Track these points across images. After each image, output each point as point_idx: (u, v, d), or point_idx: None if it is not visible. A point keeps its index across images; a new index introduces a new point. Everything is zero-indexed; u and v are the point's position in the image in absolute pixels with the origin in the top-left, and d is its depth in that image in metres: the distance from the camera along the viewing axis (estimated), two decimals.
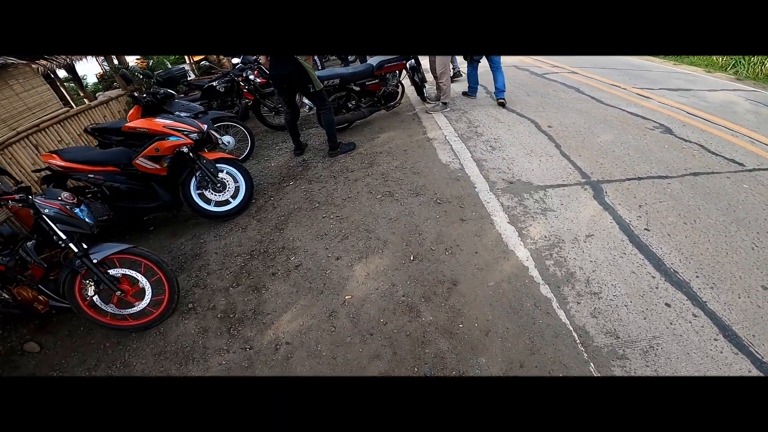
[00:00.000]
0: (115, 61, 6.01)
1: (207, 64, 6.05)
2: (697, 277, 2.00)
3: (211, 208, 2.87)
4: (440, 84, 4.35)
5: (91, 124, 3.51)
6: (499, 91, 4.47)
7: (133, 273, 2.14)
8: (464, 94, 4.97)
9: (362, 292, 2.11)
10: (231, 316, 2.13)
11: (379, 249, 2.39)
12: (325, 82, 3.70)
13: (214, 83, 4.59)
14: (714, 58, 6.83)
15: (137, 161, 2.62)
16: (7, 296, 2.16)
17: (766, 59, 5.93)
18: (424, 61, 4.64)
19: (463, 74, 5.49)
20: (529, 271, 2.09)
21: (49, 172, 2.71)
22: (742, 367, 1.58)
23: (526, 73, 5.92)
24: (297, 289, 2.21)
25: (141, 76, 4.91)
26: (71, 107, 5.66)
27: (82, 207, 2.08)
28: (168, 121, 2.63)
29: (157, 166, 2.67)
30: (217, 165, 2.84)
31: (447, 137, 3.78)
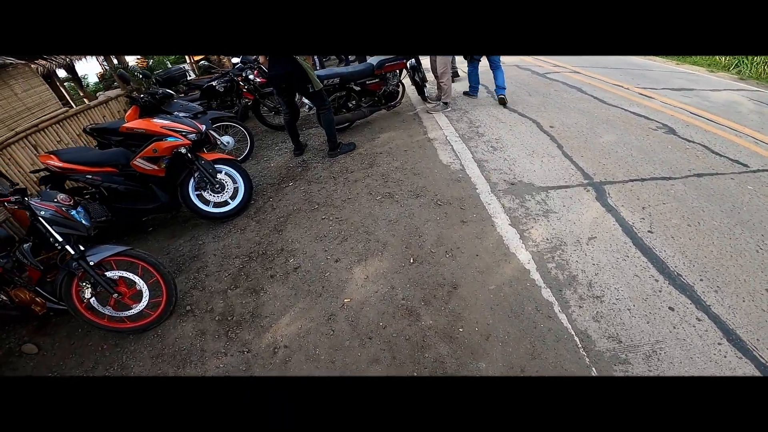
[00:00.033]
0: (115, 61, 6.00)
1: (206, 64, 6.02)
2: (701, 280, 1.97)
3: (210, 209, 2.86)
4: (441, 84, 4.32)
5: (90, 125, 3.49)
6: (500, 88, 4.44)
7: (131, 275, 2.13)
8: (465, 93, 4.94)
9: (361, 295, 2.09)
10: (229, 318, 2.11)
11: (378, 251, 2.37)
12: (325, 82, 3.68)
13: (214, 83, 4.57)
14: (716, 57, 6.78)
15: (135, 162, 2.60)
16: (4, 298, 2.14)
17: None
18: (425, 61, 4.61)
19: (463, 73, 5.46)
20: (530, 274, 2.06)
21: (47, 173, 2.70)
22: (746, 372, 1.55)
23: (527, 73, 5.89)
24: (295, 291, 2.19)
25: (140, 76, 4.89)
26: (71, 107, 5.64)
27: (79, 209, 2.07)
28: (166, 122, 2.61)
29: (155, 167, 2.65)
30: (216, 166, 2.82)
31: (448, 137, 3.75)
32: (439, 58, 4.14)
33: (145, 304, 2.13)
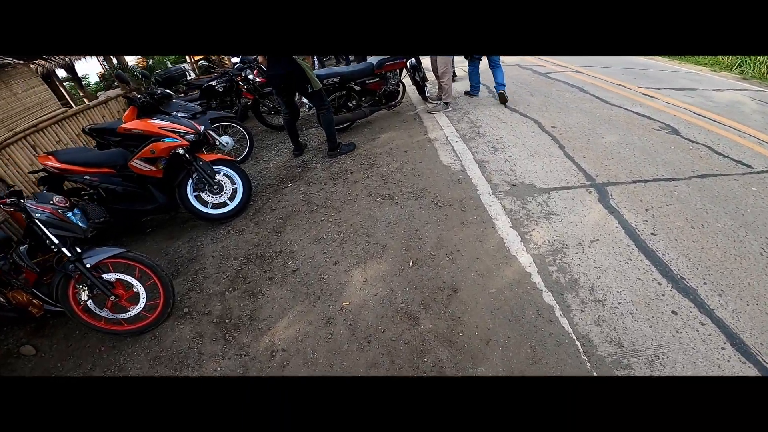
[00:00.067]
0: (115, 61, 5.98)
1: (205, 63, 6.01)
2: (705, 283, 1.94)
3: (208, 210, 2.84)
4: (442, 83, 4.29)
5: (89, 125, 3.48)
6: (499, 85, 4.42)
7: (127, 278, 2.11)
8: (466, 93, 4.91)
9: (360, 298, 2.07)
10: (227, 321, 2.09)
11: (377, 254, 2.34)
12: (325, 81, 3.65)
13: (213, 83, 4.55)
14: (719, 57, 6.73)
15: (132, 163, 2.58)
16: (2, 300, 2.14)
17: None
18: (425, 60, 4.59)
19: (463, 72, 5.43)
20: (531, 277, 2.04)
21: (45, 174, 2.69)
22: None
23: (529, 72, 5.85)
24: (294, 294, 2.17)
25: (139, 76, 4.87)
26: (71, 107, 5.63)
27: (75, 211, 2.05)
28: (163, 122, 2.59)
29: (153, 168, 2.63)
30: (214, 166, 2.80)
31: (448, 138, 3.72)
32: (440, 58, 4.12)
33: (142, 306, 2.12)
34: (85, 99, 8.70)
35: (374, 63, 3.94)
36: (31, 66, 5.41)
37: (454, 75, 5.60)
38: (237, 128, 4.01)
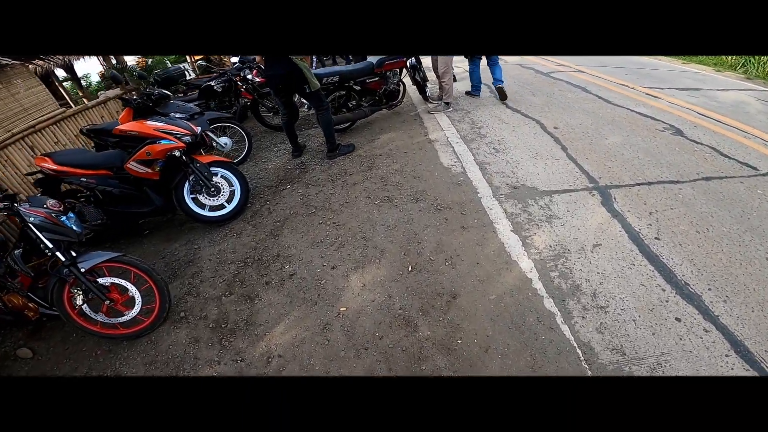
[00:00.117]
0: (114, 61, 5.96)
1: (203, 64, 5.97)
2: (710, 289, 1.90)
3: (205, 212, 2.81)
4: (443, 83, 4.25)
5: (87, 126, 3.45)
6: (497, 80, 4.41)
7: (123, 282, 2.09)
8: (467, 93, 4.86)
9: (358, 304, 2.03)
10: (223, 326, 2.07)
11: (376, 258, 2.31)
12: (324, 80, 3.62)
13: (212, 83, 4.51)
14: (723, 56, 6.66)
15: (128, 165, 2.55)
16: None
17: None
18: (426, 60, 4.55)
19: (464, 72, 5.38)
20: (532, 283, 2.00)
21: (42, 176, 2.66)
22: None
23: (530, 72, 5.80)
24: (291, 299, 2.14)
25: (137, 77, 4.85)
26: (71, 107, 5.62)
27: (70, 215, 2.02)
28: (160, 124, 2.56)
29: (149, 170, 2.61)
30: (212, 168, 2.77)
31: (449, 139, 3.68)
32: (440, 58, 4.07)
33: (138, 310, 2.10)
34: (84, 99, 8.71)
35: (374, 62, 3.91)
36: (29, 66, 5.40)
37: (454, 76, 5.56)
38: (236, 129, 3.98)
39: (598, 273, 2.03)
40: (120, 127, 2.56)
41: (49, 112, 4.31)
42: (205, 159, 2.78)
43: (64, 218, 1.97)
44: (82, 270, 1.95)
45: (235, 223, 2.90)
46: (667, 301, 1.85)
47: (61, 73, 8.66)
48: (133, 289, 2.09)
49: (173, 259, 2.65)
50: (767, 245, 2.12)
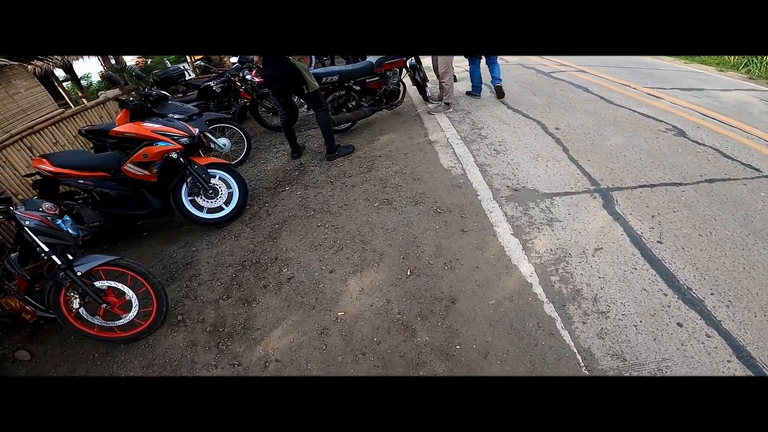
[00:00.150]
0: (113, 61, 5.94)
1: (202, 64, 5.95)
2: (712, 294, 1.87)
3: (203, 215, 2.79)
4: (443, 84, 4.22)
5: (85, 126, 3.44)
6: (496, 78, 4.42)
7: (119, 285, 2.08)
8: (468, 93, 4.83)
9: (356, 308, 2.02)
10: (220, 330, 2.06)
11: (374, 262, 2.29)
12: (323, 79, 3.59)
13: (211, 83, 4.49)
14: (725, 56, 6.61)
15: (126, 167, 2.54)
16: None
17: None
18: (426, 60, 4.52)
19: (464, 72, 5.35)
20: (532, 288, 1.98)
21: (40, 177, 2.65)
22: None
23: (532, 72, 5.76)
24: (288, 303, 2.12)
25: (135, 77, 4.83)
26: (70, 107, 5.61)
27: (66, 218, 2.01)
28: (157, 126, 2.54)
29: (146, 173, 2.59)
30: (210, 170, 2.75)
31: (449, 140, 3.65)
32: (440, 58, 4.05)
33: (135, 313, 2.08)
34: (84, 99, 8.70)
35: (373, 62, 3.88)
36: (28, 67, 5.38)
37: (455, 76, 5.53)
38: (234, 130, 3.96)
39: (600, 277, 2.01)
40: (117, 128, 2.55)
41: (47, 113, 4.30)
42: (203, 161, 2.76)
43: (59, 221, 1.96)
44: (79, 273, 1.94)
45: (234, 226, 2.88)
46: (669, 306, 1.83)
47: (60, 73, 8.65)
48: (129, 293, 2.08)
49: (171, 262, 2.64)
50: None
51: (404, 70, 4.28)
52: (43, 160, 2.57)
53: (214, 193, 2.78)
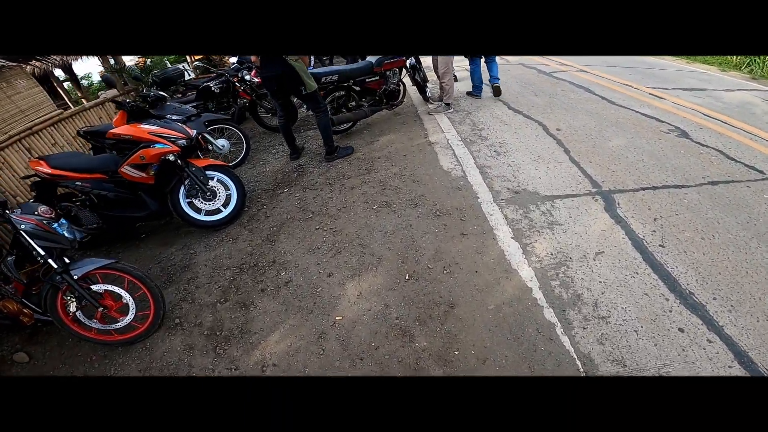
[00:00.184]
0: (112, 61, 5.93)
1: (200, 64, 5.93)
2: (714, 299, 1.85)
3: (201, 217, 2.77)
4: (443, 84, 4.20)
5: (83, 127, 3.43)
6: (494, 78, 4.42)
7: (116, 288, 2.07)
8: (469, 94, 4.81)
9: (354, 313, 2.00)
10: (218, 333, 2.04)
11: (373, 266, 2.27)
12: (323, 79, 3.56)
13: (210, 84, 4.47)
14: (728, 56, 6.56)
15: (123, 169, 2.52)
16: None
17: None
18: (426, 60, 4.49)
19: (465, 72, 5.32)
20: (532, 292, 1.96)
21: (38, 179, 2.64)
22: None
23: (533, 72, 5.73)
24: (286, 307, 2.11)
25: (133, 78, 4.81)
26: (69, 108, 5.59)
27: (62, 221, 2.00)
28: (154, 128, 2.53)
29: (144, 175, 2.57)
30: (208, 172, 2.74)
31: (449, 141, 3.63)
32: (440, 58, 4.02)
33: (132, 317, 2.08)
34: (83, 100, 8.69)
35: (373, 62, 3.85)
36: (27, 67, 5.37)
37: (455, 76, 5.50)
38: (233, 130, 3.94)
39: (600, 282, 1.98)
40: (113, 130, 2.53)
41: (46, 114, 4.29)
42: (201, 162, 2.74)
43: (55, 225, 1.95)
44: (75, 277, 1.93)
45: (232, 228, 2.87)
46: (670, 311, 1.81)
47: (60, 73, 8.64)
48: (126, 296, 2.07)
49: (169, 264, 2.63)
50: None
51: (404, 70, 4.25)
52: (41, 161, 2.56)
53: (212, 195, 2.76)
